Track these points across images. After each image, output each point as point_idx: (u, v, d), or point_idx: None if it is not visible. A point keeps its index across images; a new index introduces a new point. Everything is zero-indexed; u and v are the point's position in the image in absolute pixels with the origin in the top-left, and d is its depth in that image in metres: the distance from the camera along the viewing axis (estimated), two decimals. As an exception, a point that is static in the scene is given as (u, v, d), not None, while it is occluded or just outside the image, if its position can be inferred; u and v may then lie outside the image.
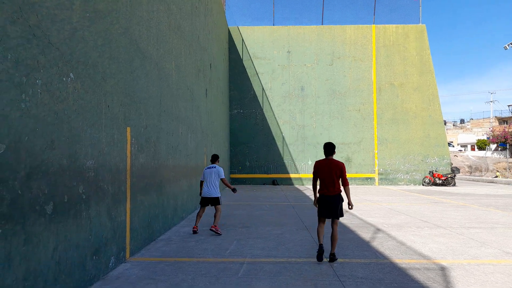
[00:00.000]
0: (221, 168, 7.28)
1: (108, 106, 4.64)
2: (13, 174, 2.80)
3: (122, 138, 5.06)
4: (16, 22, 2.94)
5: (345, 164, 21.66)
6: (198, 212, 7.24)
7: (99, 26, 4.43)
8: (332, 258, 5.13)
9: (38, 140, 3.14)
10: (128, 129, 5.29)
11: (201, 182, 7.27)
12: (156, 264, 4.94)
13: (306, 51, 22.83)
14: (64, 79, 3.63)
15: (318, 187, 5.44)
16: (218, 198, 7.05)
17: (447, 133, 62.07)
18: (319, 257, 5.09)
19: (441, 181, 21.13)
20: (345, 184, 5.33)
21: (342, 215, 5.35)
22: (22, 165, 2.92)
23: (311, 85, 22.67)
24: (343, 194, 5.33)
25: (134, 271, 4.61)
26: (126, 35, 5.35)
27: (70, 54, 3.76)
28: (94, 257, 4.10)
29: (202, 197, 7.16)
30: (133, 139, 5.48)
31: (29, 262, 2.94)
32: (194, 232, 7.01)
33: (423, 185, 21.57)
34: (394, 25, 22.98)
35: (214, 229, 6.87)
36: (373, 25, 22.97)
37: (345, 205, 5.69)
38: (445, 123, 68.76)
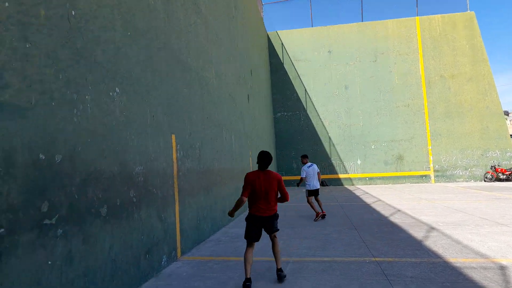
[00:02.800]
0: (316, 166, 9.15)
1: (153, 116, 4.97)
2: (70, 181, 3.13)
3: (168, 145, 5.37)
4: (65, 46, 3.29)
5: (396, 162, 21.22)
6: (308, 201, 8.84)
7: (140, 43, 4.78)
8: (280, 275, 4.24)
9: (90, 150, 3.47)
10: (173, 136, 5.60)
11: (301, 179, 8.85)
12: (205, 263, 5.16)
13: (347, 49, 22.42)
14: (111, 93, 3.97)
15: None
16: (318, 189, 8.93)
17: (509, 124, 57.26)
18: None
19: (505, 176, 19.57)
20: (286, 198, 4.39)
21: (277, 229, 4.45)
22: (77, 173, 3.25)
23: (355, 84, 22.18)
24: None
25: (185, 269, 4.86)
26: (166, 49, 5.69)
27: (115, 71, 4.10)
28: (147, 255, 4.40)
29: (310, 190, 8.81)
30: (178, 145, 5.79)
31: (87, 260, 3.26)
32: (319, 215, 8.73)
33: (484, 181, 20.11)
34: (439, 15, 21.85)
35: (324, 215, 8.78)
36: (416, 17, 22.01)
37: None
38: (506, 114, 63.55)
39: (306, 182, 8.85)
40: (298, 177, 22.05)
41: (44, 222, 2.81)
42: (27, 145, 2.74)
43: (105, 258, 3.51)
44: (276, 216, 4.38)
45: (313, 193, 8.85)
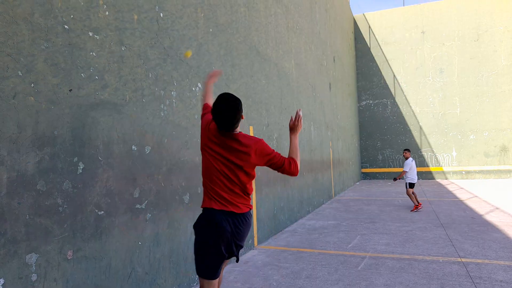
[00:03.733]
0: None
1: (232, 109, 5.19)
2: (157, 170, 3.48)
3: (246, 136, 5.57)
4: (154, 46, 3.62)
5: (500, 153, 19.05)
6: (408, 193, 9.18)
7: (221, 38, 5.00)
8: None
9: (175, 142, 3.80)
10: (251, 128, 5.79)
11: (404, 172, 9.27)
12: (280, 253, 5.30)
13: (444, 28, 20.33)
14: (193, 89, 4.26)
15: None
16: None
17: None
18: None
19: None
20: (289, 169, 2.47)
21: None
22: (164, 162, 3.59)
23: (452, 66, 20.07)
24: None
25: (261, 257, 5.06)
26: (246, 43, 5.86)
27: (197, 67, 4.38)
28: (225, 242, 4.69)
29: (412, 183, 9.26)
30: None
31: (172, 242, 3.61)
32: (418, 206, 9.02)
33: None
34: None
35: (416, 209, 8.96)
36: (533, -16, 18.92)
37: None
38: None
39: (408, 176, 9.32)
40: (384, 170, 21.01)
41: (136, 207, 3.18)
42: (122, 138, 3.12)
43: (187, 241, 3.84)
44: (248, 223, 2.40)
45: (413, 185, 9.37)
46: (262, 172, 6.08)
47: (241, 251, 5.01)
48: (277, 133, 6.99)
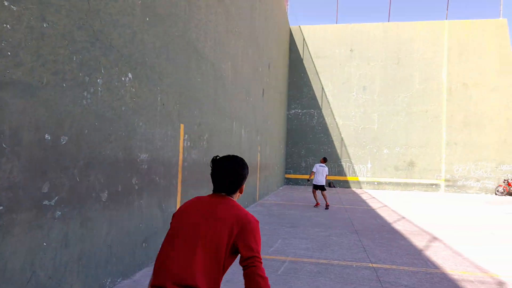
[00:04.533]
0: (327, 168, 11.23)
1: (163, 104, 4.97)
2: (73, 163, 3.16)
3: (176, 134, 5.37)
4: (82, 28, 3.29)
5: (407, 168, 21.07)
6: (313, 191, 11.36)
7: (157, 29, 4.76)
8: None
9: (96, 134, 3.49)
10: (182, 126, 5.60)
11: (312, 173, 11.12)
12: (202, 255, 5.17)
13: (370, 49, 22.03)
14: (123, 78, 3.97)
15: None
16: (323, 186, 11.04)
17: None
18: None
19: (518, 192, 19.12)
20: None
21: None
22: (81, 155, 3.27)
23: (374, 85, 21.83)
24: None
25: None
26: (184, 38, 5.66)
27: (129, 56, 4.10)
28: (144, 244, 4.44)
29: (315, 184, 11.09)
30: (186, 135, 5.79)
31: (83, 244, 3.29)
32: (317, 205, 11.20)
33: (496, 194, 19.69)
34: (469, 20, 21.23)
35: (327, 206, 10.95)
36: (445, 20, 21.44)
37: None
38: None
39: (314, 178, 11.10)
40: (306, 176, 21.98)
41: (43, 203, 2.84)
42: (34, 124, 2.76)
43: (100, 243, 3.54)
44: None
45: (318, 187, 11.03)
46: (189, 172, 5.91)
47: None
48: (208, 133, 6.87)
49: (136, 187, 4.21)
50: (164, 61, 5.01)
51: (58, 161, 3.00)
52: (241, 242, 1.65)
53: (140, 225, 4.33)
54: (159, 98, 4.84)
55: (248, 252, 1.63)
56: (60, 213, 3.00)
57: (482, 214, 11.63)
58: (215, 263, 1.63)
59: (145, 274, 4.23)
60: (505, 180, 19.58)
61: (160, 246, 2.59)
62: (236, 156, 1.92)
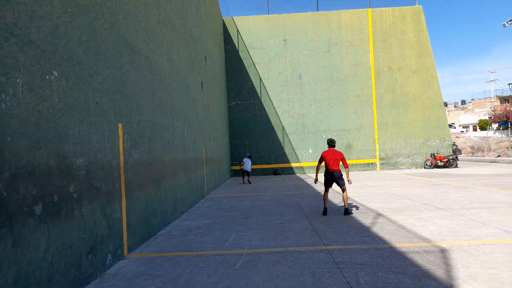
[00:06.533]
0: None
1: (97, 103, 4.58)
2: (-4, 176, 2.75)
3: (114, 134, 5.00)
4: (-9, 20, 2.86)
5: (346, 150, 21.98)
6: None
7: (82, 22, 4.34)
8: (347, 211, 7.67)
9: (22, 140, 3.08)
10: (120, 125, 5.23)
11: (243, 163, 16.16)
12: (154, 260, 4.92)
13: (302, 38, 22.59)
14: (47, 77, 3.56)
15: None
16: (249, 172, 16.72)
17: (448, 114, 61.68)
18: (325, 213, 7.78)
19: (442, 163, 21.07)
20: (345, 166, 7.82)
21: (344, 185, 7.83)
22: (6, 166, 2.87)
23: (309, 73, 22.49)
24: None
25: (132, 268, 4.60)
26: (113, 30, 5.25)
27: (52, 52, 3.68)
28: (89, 255, 4.08)
29: (244, 170, 16.44)
30: (126, 135, 5.43)
31: (19, 265, 2.91)
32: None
33: (424, 168, 21.51)
34: (390, 8, 22.68)
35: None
36: (369, 9, 22.66)
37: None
38: (445, 105, 68.26)
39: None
40: (252, 167, 22.12)
41: (-37, 225, 2.44)
42: None
43: (40, 261, 3.17)
44: (340, 174, 7.78)
45: (245, 173, 16.55)
46: (132, 173, 5.56)
47: (107, 262, 4.47)
48: (150, 131, 6.52)
49: (75, 195, 3.83)
50: (93, 56, 4.60)
51: (-23, 175, 2.59)
52: (343, 160, 7.81)
53: (83, 235, 3.96)
54: (91, 97, 4.44)
55: (345, 163, 7.82)
56: (-15, 234, 2.60)
57: (415, 187, 12.59)
58: (338, 164, 7.79)
59: (94, 287, 3.91)
60: (431, 154, 21.44)
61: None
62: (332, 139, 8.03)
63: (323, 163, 7.87)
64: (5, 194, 2.83)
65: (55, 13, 3.76)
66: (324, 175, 7.86)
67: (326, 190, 7.97)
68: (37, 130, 3.31)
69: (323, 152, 7.82)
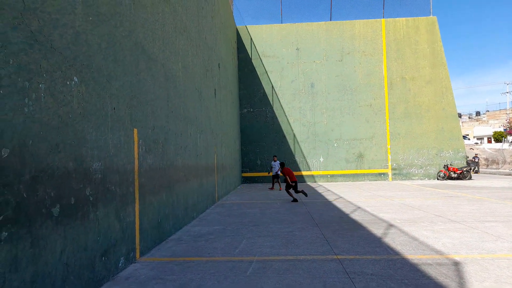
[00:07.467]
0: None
1: (114, 109, 4.68)
2: (17, 178, 2.85)
3: (129, 139, 5.10)
4: (18, 28, 2.98)
5: (357, 160, 21.89)
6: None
7: (102, 30, 4.47)
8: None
9: (42, 144, 3.18)
10: (135, 130, 5.33)
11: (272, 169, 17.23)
12: (165, 264, 4.97)
13: (315, 47, 22.67)
14: (68, 82, 3.67)
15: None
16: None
17: (463, 126, 60.82)
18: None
19: (456, 174, 20.74)
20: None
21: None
22: (27, 169, 2.96)
23: (321, 82, 22.51)
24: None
25: (144, 271, 4.65)
26: (131, 38, 5.39)
27: (74, 58, 3.80)
28: (103, 258, 4.15)
29: (274, 174, 17.57)
30: (141, 140, 5.52)
31: (36, 265, 2.99)
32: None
33: (437, 179, 21.20)
34: (404, 18, 22.62)
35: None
36: (382, 19, 22.65)
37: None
38: (460, 116, 67.33)
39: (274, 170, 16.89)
40: (263, 174, 22.12)
41: (-14, 224, 2.53)
42: (-33, 138, 2.44)
43: (56, 262, 3.24)
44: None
45: (276, 178, 17.29)
46: (146, 178, 5.65)
47: (120, 265, 4.53)
48: (163, 137, 6.62)
49: (91, 198, 3.92)
50: (112, 63, 4.72)
51: (0, 177, 2.68)
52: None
53: (98, 238, 4.04)
54: (109, 102, 4.55)
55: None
56: (6, 234, 2.68)
57: (428, 198, 12.42)
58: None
59: (106, 291, 3.96)
60: (445, 165, 21.13)
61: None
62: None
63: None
64: (25, 196, 2.92)
65: (77, 21, 3.89)
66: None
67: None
68: (57, 134, 3.41)
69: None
